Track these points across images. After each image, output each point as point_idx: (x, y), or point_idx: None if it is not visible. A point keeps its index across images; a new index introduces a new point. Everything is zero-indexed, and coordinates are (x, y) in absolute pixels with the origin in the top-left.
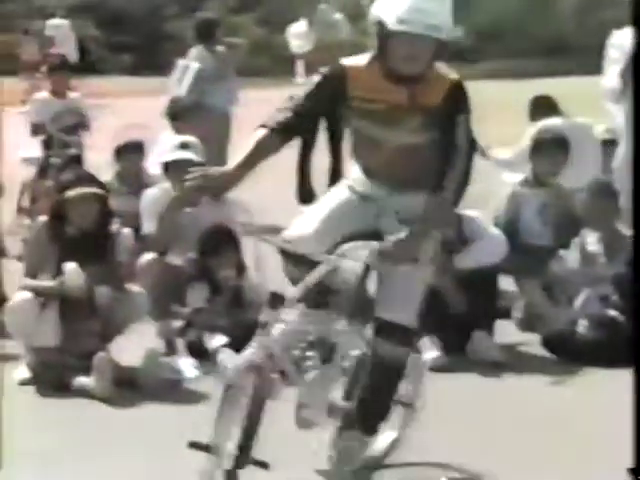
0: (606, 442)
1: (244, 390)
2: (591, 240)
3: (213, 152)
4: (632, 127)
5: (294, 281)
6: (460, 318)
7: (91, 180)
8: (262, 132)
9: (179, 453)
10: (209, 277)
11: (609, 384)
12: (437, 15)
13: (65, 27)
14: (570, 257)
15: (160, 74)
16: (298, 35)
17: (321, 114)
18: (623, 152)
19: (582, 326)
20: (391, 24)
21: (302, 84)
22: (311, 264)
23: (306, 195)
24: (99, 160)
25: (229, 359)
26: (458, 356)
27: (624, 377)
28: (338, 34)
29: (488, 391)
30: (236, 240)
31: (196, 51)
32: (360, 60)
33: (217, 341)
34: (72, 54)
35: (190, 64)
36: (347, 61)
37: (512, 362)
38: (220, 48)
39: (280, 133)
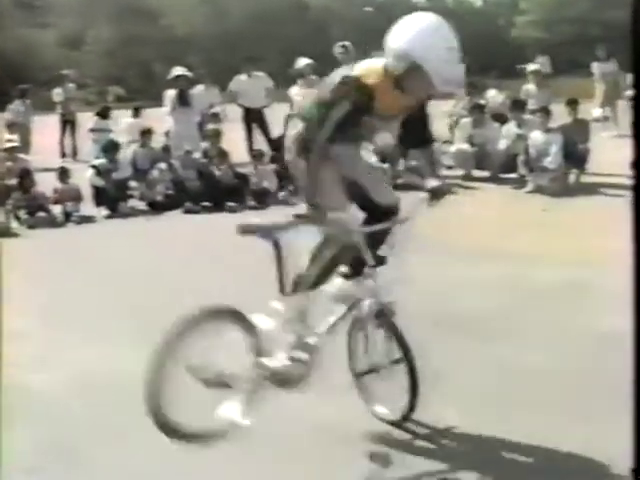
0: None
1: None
2: None
3: (24, 141)
4: (632, 127)
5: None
6: None
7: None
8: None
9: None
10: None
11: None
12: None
13: None
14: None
15: (3, 111)
16: (58, 94)
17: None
18: None
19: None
20: (438, 85)
21: (60, 114)
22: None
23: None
24: None
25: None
26: None
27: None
28: (73, 93)
29: None
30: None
31: (17, 101)
32: (373, 75)
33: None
34: None
35: (17, 107)
36: (368, 79)
37: None
38: (27, 101)
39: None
